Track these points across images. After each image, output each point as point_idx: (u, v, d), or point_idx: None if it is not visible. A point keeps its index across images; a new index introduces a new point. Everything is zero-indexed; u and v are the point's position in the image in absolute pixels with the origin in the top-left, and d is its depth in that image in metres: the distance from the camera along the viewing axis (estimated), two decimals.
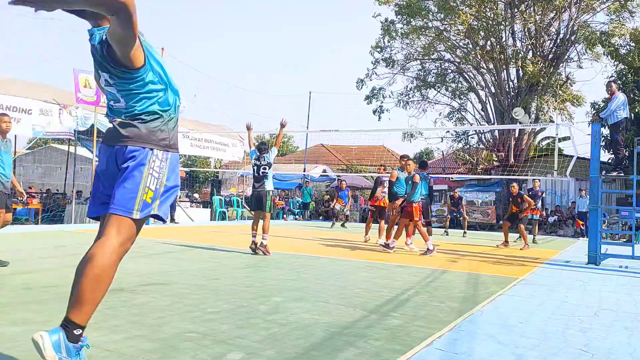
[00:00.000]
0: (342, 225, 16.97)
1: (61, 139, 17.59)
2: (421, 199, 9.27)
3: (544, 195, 14.38)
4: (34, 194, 17.85)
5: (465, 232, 15.18)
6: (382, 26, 23.61)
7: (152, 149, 2.13)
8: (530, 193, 12.69)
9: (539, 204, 13.15)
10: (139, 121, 2.15)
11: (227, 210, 19.49)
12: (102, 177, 2.23)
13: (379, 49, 24.44)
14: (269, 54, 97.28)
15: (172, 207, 15.16)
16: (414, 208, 8.67)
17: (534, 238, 12.95)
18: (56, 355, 1.81)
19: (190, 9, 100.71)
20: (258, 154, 7.83)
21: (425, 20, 22.54)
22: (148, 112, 2.18)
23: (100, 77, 2.22)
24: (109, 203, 2.10)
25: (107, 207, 2.09)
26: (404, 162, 9.32)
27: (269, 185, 7.78)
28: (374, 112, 25.40)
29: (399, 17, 22.97)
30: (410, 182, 8.86)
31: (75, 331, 1.83)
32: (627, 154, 13.31)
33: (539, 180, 13.78)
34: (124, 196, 2.02)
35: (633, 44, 19.07)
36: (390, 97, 25.38)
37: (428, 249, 8.49)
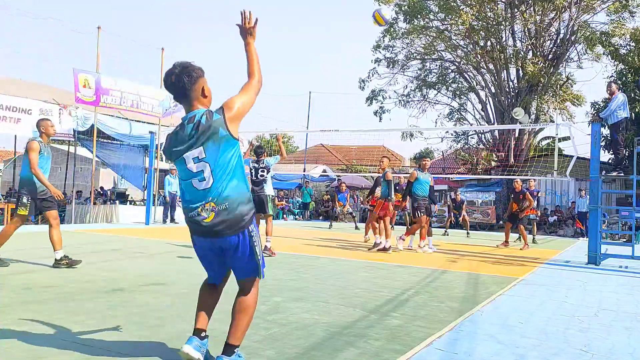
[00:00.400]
0: (355, 227, 16.67)
1: (61, 139, 17.54)
2: (423, 198, 9.26)
3: (539, 194, 14.42)
4: None
5: (468, 233, 15.23)
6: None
7: (244, 230, 2.49)
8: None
9: (535, 204, 13.21)
10: (228, 203, 2.44)
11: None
12: (208, 257, 2.64)
13: (380, 49, 24.44)
14: (270, 54, 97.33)
15: (173, 207, 15.04)
16: (378, 202, 9.09)
17: (533, 238, 12.97)
18: None
19: (192, 8, 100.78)
20: (256, 157, 7.76)
21: (426, 20, 22.53)
22: (238, 189, 2.50)
23: (187, 157, 2.48)
24: (223, 271, 2.70)
25: (222, 275, 2.72)
26: (424, 163, 9.44)
27: (268, 189, 7.74)
28: (375, 113, 25.43)
29: (400, 16, 22.94)
30: (383, 179, 9.05)
31: (235, 350, 2.48)
32: (627, 154, 13.30)
33: (534, 179, 13.85)
34: (251, 269, 2.56)
35: (633, 44, 19.07)
36: (390, 97, 25.41)
37: (377, 242, 8.92)
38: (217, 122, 2.43)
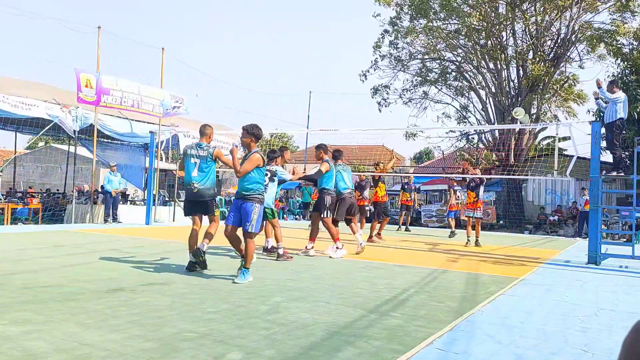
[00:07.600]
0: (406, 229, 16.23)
1: (64, 134, 17.42)
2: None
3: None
4: (34, 194, 17.84)
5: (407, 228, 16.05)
6: (391, 20, 23.63)
7: None
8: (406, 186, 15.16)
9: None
10: None
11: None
12: None
13: (380, 48, 24.47)
14: (270, 54, 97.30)
15: (115, 206, 13.73)
16: None
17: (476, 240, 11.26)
18: None
19: (192, 8, 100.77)
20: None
21: (428, 19, 22.53)
22: None
23: None
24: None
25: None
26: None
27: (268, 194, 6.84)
28: (378, 103, 25.61)
29: (405, 9, 22.94)
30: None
31: None
32: (626, 154, 13.29)
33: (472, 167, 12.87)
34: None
35: (636, 43, 19.07)
36: (395, 91, 25.53)
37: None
38: None
